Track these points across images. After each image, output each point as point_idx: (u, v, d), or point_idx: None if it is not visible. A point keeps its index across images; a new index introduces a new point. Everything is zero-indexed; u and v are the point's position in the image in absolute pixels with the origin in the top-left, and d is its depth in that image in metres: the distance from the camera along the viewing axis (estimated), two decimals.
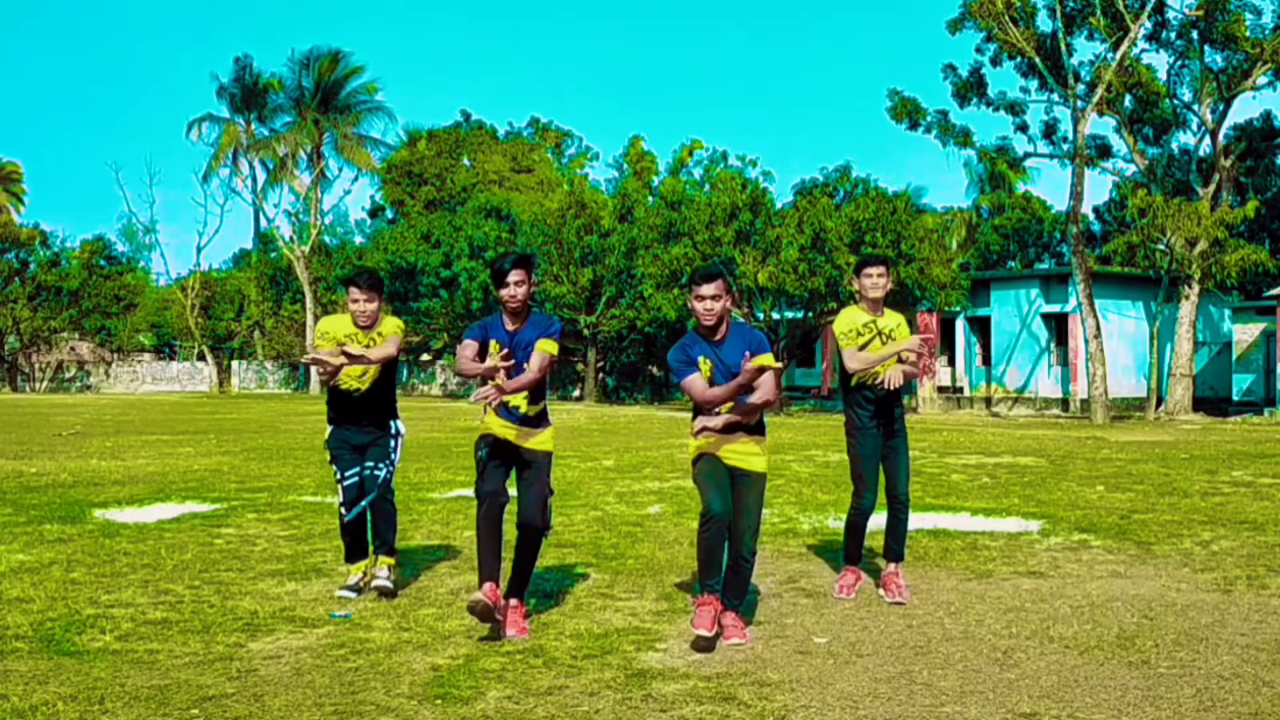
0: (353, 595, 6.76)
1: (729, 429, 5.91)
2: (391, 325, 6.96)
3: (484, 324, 6.17)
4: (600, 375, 46.40)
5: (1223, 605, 6.54)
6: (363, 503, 6.85)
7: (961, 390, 37.40)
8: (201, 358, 63.42)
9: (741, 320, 5.98)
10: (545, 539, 6.25)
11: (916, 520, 9.82)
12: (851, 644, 5.73)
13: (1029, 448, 18.57)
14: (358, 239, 64.85)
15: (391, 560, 6.98)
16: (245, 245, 75.48)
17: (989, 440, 20.54)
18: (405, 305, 47.27)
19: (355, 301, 6.78)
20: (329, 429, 7.01)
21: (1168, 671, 5.23)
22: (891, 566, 6.98)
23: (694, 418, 6.06)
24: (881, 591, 6.88)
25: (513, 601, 6.03)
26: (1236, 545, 8.54)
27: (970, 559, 7.99)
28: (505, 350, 6.04)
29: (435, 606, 6.55)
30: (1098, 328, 30.22)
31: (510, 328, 6.07)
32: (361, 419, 6.91)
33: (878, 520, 7.13)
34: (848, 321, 6.89)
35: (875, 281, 6.85)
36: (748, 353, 5.81)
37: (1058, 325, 35.48)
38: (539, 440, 6.14)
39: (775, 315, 36.10)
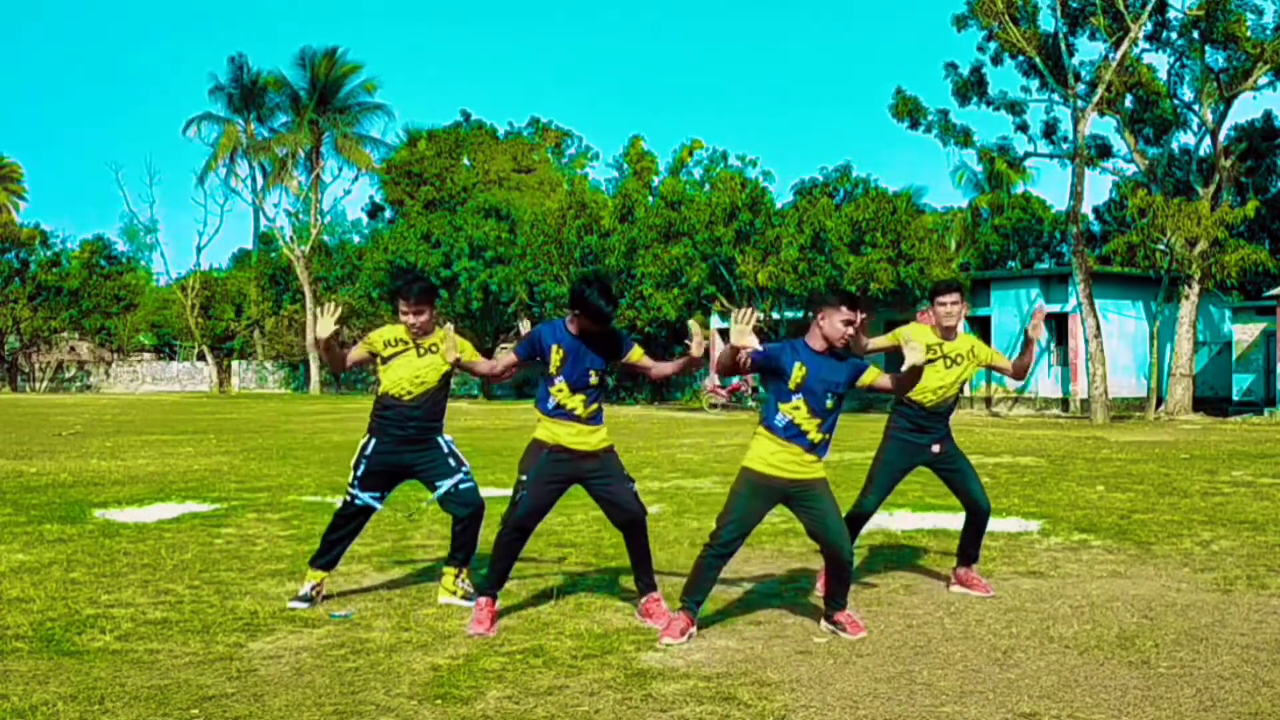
0: (303, 606, 6.47)
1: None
2: (470, 348, 6.62)
3: (547, 330, 6.07)
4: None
5: (1223, 605, 6.53)
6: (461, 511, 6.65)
7: (961, 390, 37.39)
8: (201, 358, 63.43)
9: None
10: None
11: (916, 520, 9.84)
12: (851, 644, 5.73)
13: (1029, 448, 18.56)
14: (356, 239, 64.84)
15: (468, 569, 6.77)
16: (245, 245, 75.53)
17: (989, 440, 20.53)
18: None
19: (405, 315, 6.55)
20: (370, 439, 6.65)
21: (1168, 671, 5.23)
22: (965, 569, 7.02)
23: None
24: (961, 588, 6.93)
25: (654, 594, 6.21)
26: (1236, 545, 8.54)
27: None
28: (565, 358, 5.99)
29: (435, 606, 6.55)
30: (1098, 328, 30.22)
31: (581, 342, 6.02)
32: (408, 431, 6.55)
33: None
34: (907, 332, 6.79)
35: (949, 310, 6.85)
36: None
37: (1058, 325, 35.47)
38: (601, 438, 6.16)
39: (775, 315, 36.09)
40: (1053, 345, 35.69)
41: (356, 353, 6.75)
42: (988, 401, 36.48)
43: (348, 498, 6.65)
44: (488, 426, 23.75)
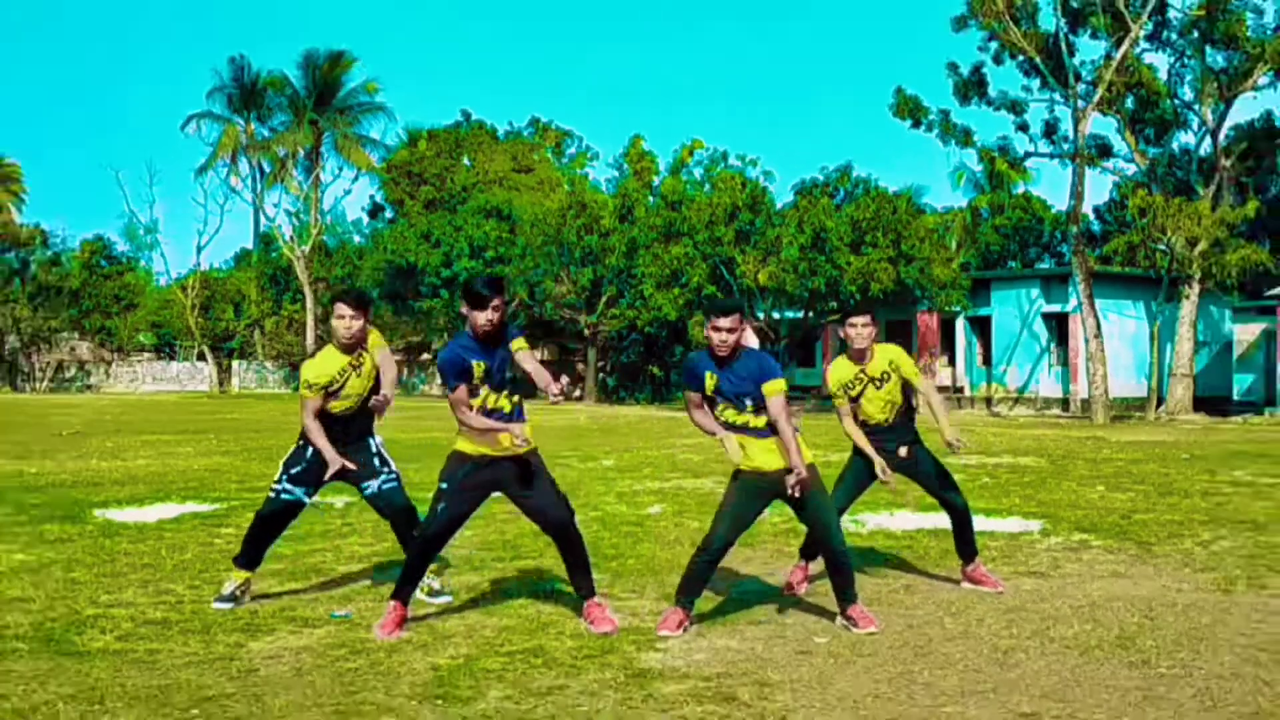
0: (228, 606, 6.46)
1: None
2: (375, 340, 6.69)
3: (460, 350, 5.94)
4: (600, 375, 46.41)
5: (1223, 605, 6.53)
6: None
7: (962, 390, 37.39)
8: (201, 357, 63.43)
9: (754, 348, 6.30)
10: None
11: (916, 520, 9.83)
12: (852, 644, 5.73)
13: (1029, 448, 18.56)
14: (357, 239, 64.85)
15: (436, 566, 6.76)
16: (245, 245, 75.51)
17: (989, 440, 20.53)
18: (405, 305, 47.25)
19: (341, 318, 6.47)
20: (303, 444, 6.63)
21: (1168, 671, 5.22)
22: (970, 565, 7.13)
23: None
24: (970, 585, 7.04)
25: (594, 600, 6.10)
26: (1236, 545, 8.54)
27: None
28: (488, 368, 5.93)
29: (435, 606, 6.55)
30: (1098, 328, 30.21)
31: (487, 347, 5.97)
32: (344, 435, 6.59)
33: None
34: (837, 377, 7.03)
35: (860, 332, 6.89)
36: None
37: (1058, 325, 35.47)
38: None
39: (775, 315, 36.09)
40: (1053, 345, 35.71)
41: (314, 406, 6.55)
42: (988, 401, 36.49)
43: (272, 494, 6.63)
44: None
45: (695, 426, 6.15)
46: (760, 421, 5.98)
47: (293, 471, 6.61)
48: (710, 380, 6.02)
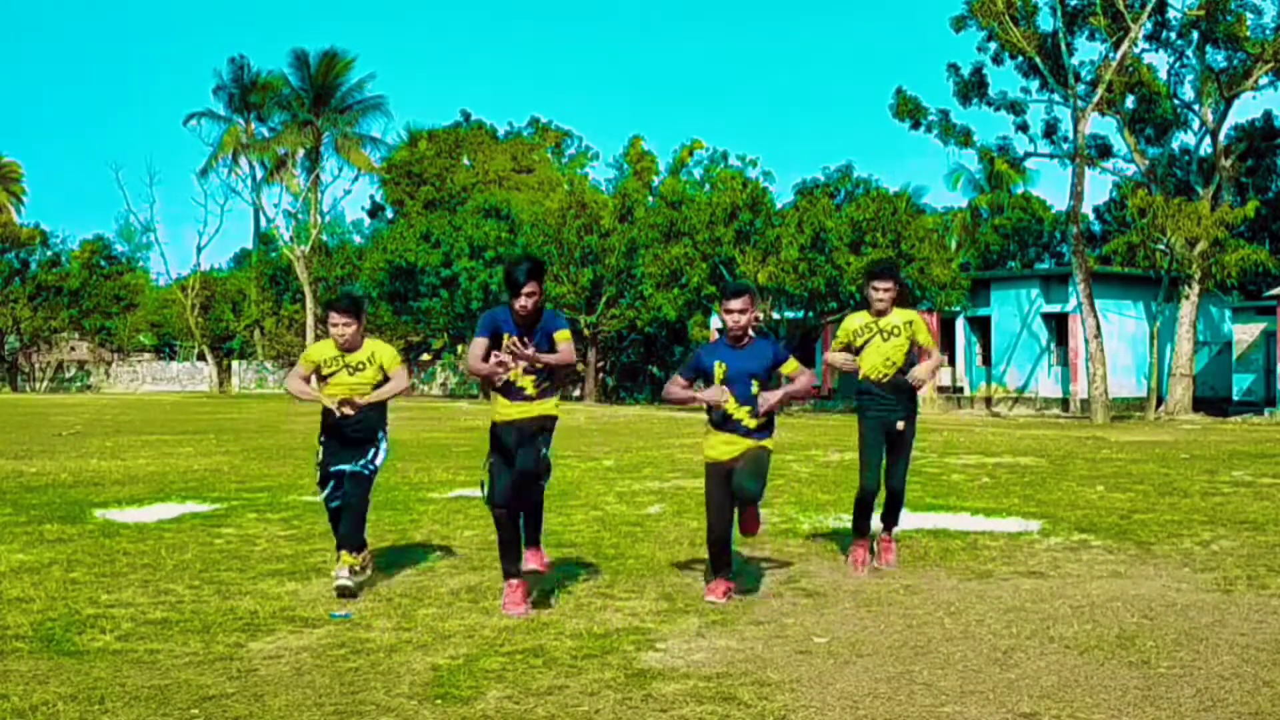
0: (348, 584, 6.78)
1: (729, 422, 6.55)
2: (389, 356, 7.12)
3: (494, 315, 6.44)
4: (600, 375, 46.42)
5: (1223, 605, 6.53)
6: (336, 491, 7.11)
7: (962, 390, 37.38)
8: (201, 358, 63.43)
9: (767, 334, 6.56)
10: (545, 484, 6.54)
11: (917, 520, 9.83)
12: (851, 644, 5.73)
13: (1029, 448, 18.56)
14: (356, 239, 64.85)
15: (354, 560, 6.86)
16: (245, 245, 75.53)
17: (989, 440, 20.53)
18: (405, 305, 47.23)
19: (335, 325, 6.99)
20: (320, 448, 7.19)
21: (1168, 671, 5.23)
22: (885, 535, 7.69)
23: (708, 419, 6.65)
24: (873, 558, 7.60)
25: (537, 549, 6.57)
26: (1236, 545, 8.54)
27: (970, 559, 7.99)
28: (516, 338, 6.30)
29: (435, 606, 6.55)
30: (1098, 328, 30.21)
31: (523, 324, 6.38)
32: (352, 436, 7.05)
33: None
34: (849, 324, 7.58)
35: (880, 296, 7.41)
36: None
37: (1058, 325, 35.47)
38: (544, 409, 6.42)
39: (775, 315, 36.08)
40: (1053, 345, 35.71)
41: (304, 371, 7.23)
42: (988, 401, 36.48)
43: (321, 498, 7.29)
44: (486, 426, 23.76)
45: (666, 398, 6.61)
46: (754, 423, 6.48)
47: (320, 452, 7.16)
48: (720, 369, 6.43)
